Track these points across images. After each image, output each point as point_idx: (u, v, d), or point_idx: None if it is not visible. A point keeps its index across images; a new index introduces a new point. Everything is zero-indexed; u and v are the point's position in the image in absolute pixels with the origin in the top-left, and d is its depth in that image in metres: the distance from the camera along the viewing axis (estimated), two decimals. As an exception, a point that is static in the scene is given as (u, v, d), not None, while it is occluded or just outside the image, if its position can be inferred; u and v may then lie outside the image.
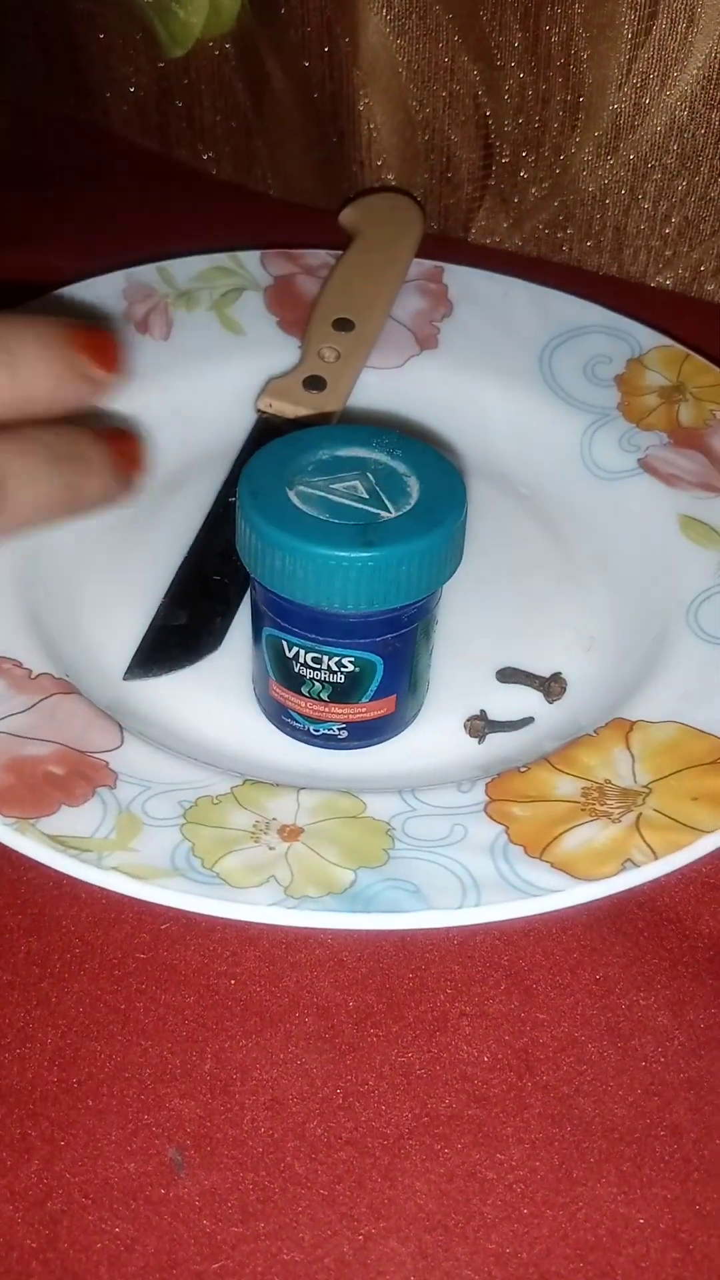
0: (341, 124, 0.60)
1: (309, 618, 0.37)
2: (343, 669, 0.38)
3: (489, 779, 0.39)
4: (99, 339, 0.36)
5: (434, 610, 0.39)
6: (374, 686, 0.39)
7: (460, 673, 0.43)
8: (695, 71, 0.53)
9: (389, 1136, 0.32)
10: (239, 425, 0.51)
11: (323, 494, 0.37)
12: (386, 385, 0.53)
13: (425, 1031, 0.34)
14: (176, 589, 0.45)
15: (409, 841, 0.36)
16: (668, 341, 0.53)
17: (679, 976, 0.36)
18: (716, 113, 0.54)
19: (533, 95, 0.56)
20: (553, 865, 0.35)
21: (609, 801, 0.37)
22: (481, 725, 0.41)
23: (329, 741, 0.40)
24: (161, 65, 0.64)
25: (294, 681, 0.39)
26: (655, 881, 0.36)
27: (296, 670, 0.39)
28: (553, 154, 0.58)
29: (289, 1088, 0.33)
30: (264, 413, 0.50)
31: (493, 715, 0.42)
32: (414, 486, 0.37)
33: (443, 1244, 0.31)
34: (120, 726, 0.39)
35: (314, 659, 0.38)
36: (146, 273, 0.54)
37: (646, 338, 0.53)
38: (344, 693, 0.39)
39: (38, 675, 0.40)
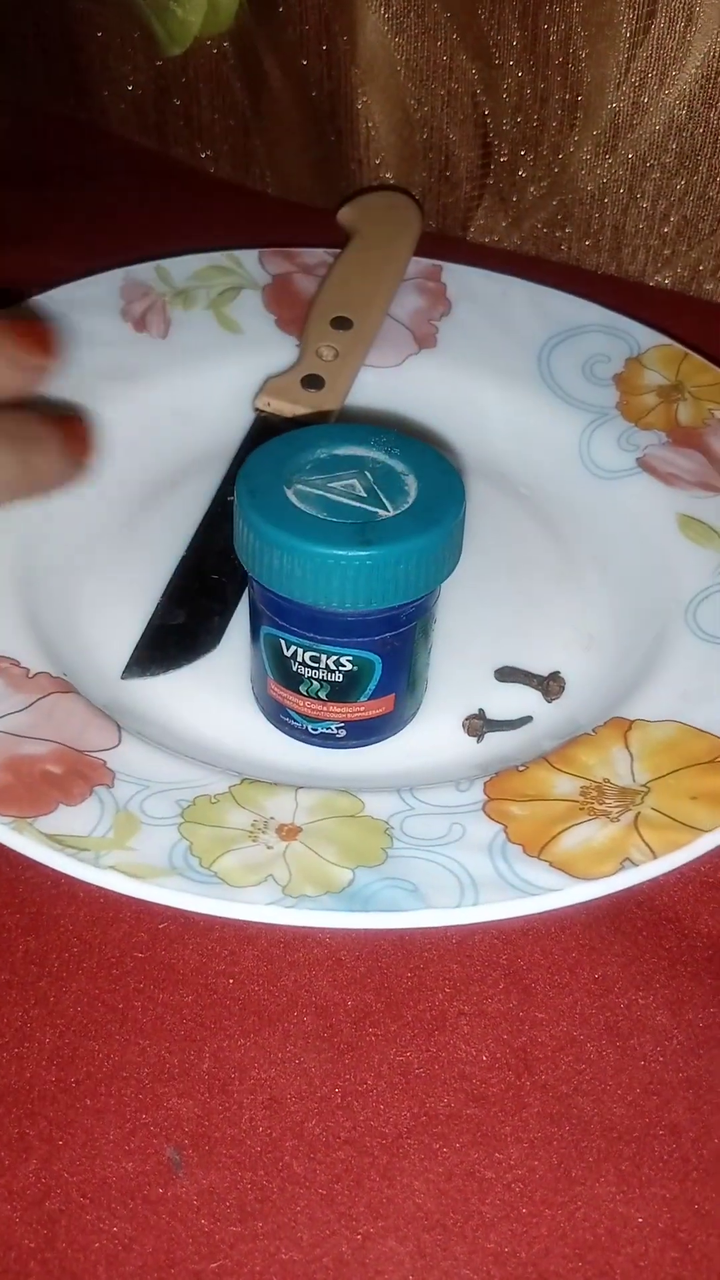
0: (340, 122, 0.60)
1: (307, 616, 0.37)
2: (341, 668, 0.38)
3: (487, 778, 0.38)
4: (33, 328, 0.37)
5: (432, 609, 0.39)
6: (372, 685, 0.39)
7: (459, 672, 0.43)
8: (694, 70, 0.53)
9: (387, 1136, 0.32)
10: (237, 424, 0.51)
11: (321, 493, 0.37)
12: (385, 384, 0.52)
13: (424, 1030, 0.34)
14: (174, 588, 0.45)
15: (407, 840, 0.36)
16: (666, 340, 0.53)
17: (678, 976, 0.36)
18: (715, 111, 0.54)
19: (531, 94, 0.56)
20: (551, 864, 0.35)
21: (608, 800, 0.37)
22: (480, 724, 0.41)
23: (327, 740, 0.40)
24: (159, 64, 0.64)
25: (292, 680, 0.39)
26: (654, 881, 0.36)
27: (295, 669, 0.38)
28: (551, 153, 0.58)
29: (287, 1087, 0.33)
30: (262, 411, 0.50)
31: (491, 714, 0.42)
32: (412, 485, 0.37)
33: (441, 1243, 0.31)
34: (118, 725, 0.39)
35: (312, 658, 0.38)
36: (144, 271, 0.54)
37: (645, 337, 0.53)
38: (342, 692, 0.39)
39: (35, 674, 0.40)
